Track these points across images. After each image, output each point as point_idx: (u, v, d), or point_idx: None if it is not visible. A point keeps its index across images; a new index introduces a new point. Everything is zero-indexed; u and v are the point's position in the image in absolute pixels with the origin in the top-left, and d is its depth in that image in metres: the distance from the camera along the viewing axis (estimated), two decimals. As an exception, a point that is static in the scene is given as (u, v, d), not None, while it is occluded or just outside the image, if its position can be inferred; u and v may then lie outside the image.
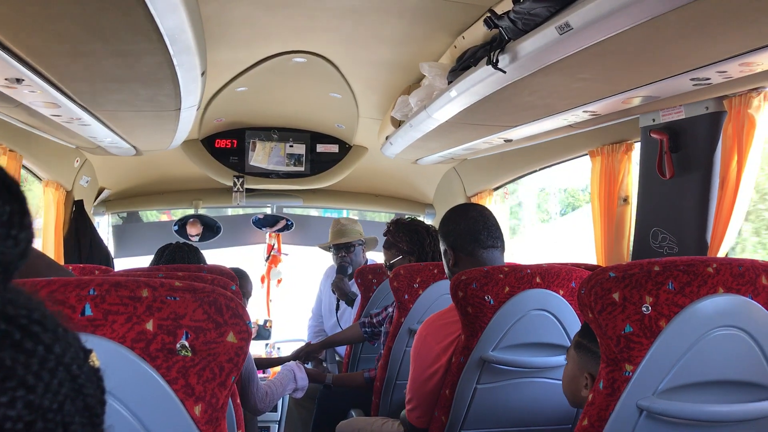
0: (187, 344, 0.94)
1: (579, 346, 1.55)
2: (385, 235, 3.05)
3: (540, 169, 3.82)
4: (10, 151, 2.98)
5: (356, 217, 4.83)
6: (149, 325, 0.93)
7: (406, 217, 3.06)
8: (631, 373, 1.26)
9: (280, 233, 4.98)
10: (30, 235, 0.76)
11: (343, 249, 3.94)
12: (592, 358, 1.46)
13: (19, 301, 0.49)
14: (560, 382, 2.01)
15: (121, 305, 0.92)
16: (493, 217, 2.16)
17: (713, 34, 1.60)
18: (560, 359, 1.98)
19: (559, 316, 1.97)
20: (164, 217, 5.63)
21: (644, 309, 1.26)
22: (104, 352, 0.90)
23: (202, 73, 2.19)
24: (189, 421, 0.94)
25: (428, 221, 5.04)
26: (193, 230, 4.74)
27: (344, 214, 5.47)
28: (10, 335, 0.46)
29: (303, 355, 3.24)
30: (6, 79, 1.90)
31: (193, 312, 0.95)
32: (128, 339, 0.92)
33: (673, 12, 1.42)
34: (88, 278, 0.92)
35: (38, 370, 0.47)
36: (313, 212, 5.69)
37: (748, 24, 1.53)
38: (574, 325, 1.99)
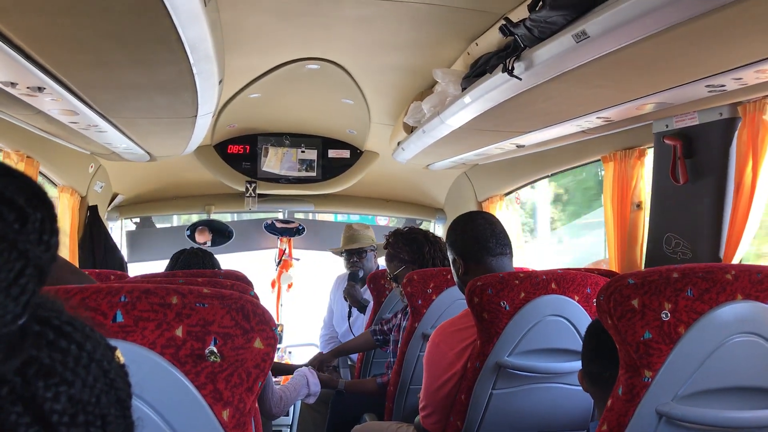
0: (215, 350, 0.95)
1: (591, 378, 1.56)
2: (385, 248, 3.06)
3: (552, 175, 3.83)
4: (27, 157, 3.01)
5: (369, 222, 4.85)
6: (179, 332, 0.95)
7: (417, 222, 3.10)
8: (650, 379, 1.27)
9: (292, 238, 5.00)
10: (58, 240, 0.78)
11: (355, 254, 3.94)
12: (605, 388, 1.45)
13: (47, 304, 0.51)
14: (576, 387, 2.03)
15: (152, 312, 0.94)
16: (500, 224, 2.18)
17: (729, 42, 1.61)
18: (576, 365, 1.99)
19: (575, 322, 1.98)
20: (184, 218, 5.63)
21: (663, 315, 1.27)
22: (135, 358, 0.92)
23: (220, 81, 2.21)
24: (217, 425, 0.96)
25: (439, 226, 5.05)
26: (201, 238, 4.76)
27: (353, 219, 5.48)
28: (45, 335, 0.48)
29: (316, 365, 3.25)
30: (28, 87, 1.93)
31: (221, 318, 0.96)
32: (158, 345, 0.94)
33: (689, 21, 1.43)
34: (119, 285, 0.94)
35: (74, 366, 0.49)
36: (325, 217, 5.71)
37: (764, 31, 1.54)
38: (590, 330, 1.99)
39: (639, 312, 1.27)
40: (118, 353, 0.57)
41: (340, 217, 5.65)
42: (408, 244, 2.97)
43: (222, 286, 1.67)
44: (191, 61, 1.75)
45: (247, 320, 0.98)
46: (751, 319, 1.28)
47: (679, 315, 1.27)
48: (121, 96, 2.21)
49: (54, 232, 0.63)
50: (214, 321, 0.96)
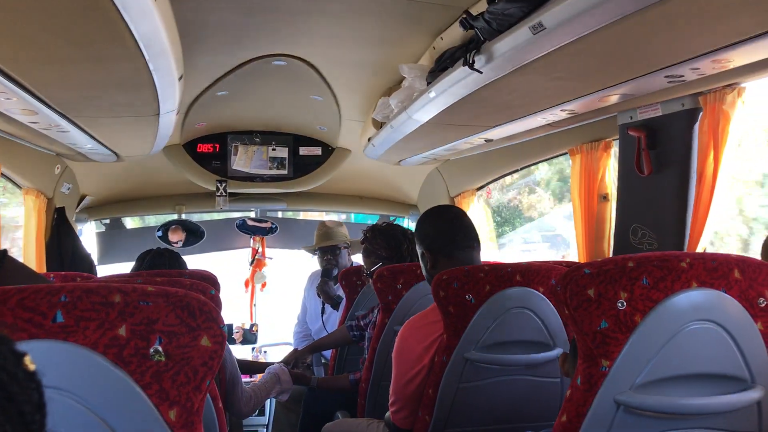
0: (160, 349, 0.93)
1: None
2: (362, 243, 3.05)
3: (521, 168, 3.84)
4: (-12, 159, 2.95)
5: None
6: (122, 331, 0.93)
7: (391, 218, 3.09)
8: (607, 369, 1.27)
9: (264, 237, 4.97)
10: None
11: (329, 252, 3.94)
12: None
13: None
14: (543, 379, 2.04)
15: (93, 311, 0.92)
16: (468, 219, 2.19)
17: (685, 32, 1.62)
18: (542, 356, 2.00)
19: (540, 314, 1.98)
20: (152, 221, 5.58)
21: (619, 304, 1.27)
22: (77, 359, 0.90)
23: (180, 78, 2.18)
24: (164, 425, 0.94)
25: (413, 222, 5.05)
26: (175, 237, 4.72)
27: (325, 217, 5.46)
28: None
29: (291, 361, 3.24)
30: (-21, 87, 1.89)
31: (165, 316, 0.94)
32: (101, 345, 0.92)
33: (644, 10, 1.43)
34: (60, 285, 0.92)
35: None
36: (297, 215, 5.69)
37: (719, 21, 1.55)
38: (555, 322, 2.00)
39: (595, 301, 1.27)
40: (27, 360, 0.52)
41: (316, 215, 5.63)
42: (386, 241, 2.96)
43: (181, 285, 1.65)
44: (146, 57, 1.72)
45: (193, 318, 0.96)
46: (706, 307, 1.29)
47: (635, 304, 1.27)
48: (80, 94, 2.17)
49: None
50: (159, 319, 0.94)
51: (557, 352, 2.00)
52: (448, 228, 2.12)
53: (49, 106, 2.27)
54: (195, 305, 0.96)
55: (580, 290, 1.27)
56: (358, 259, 4.28)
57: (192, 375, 0.95)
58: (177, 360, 0.95)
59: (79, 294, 0.92)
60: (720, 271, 1.31)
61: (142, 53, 1.68)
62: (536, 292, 1.98)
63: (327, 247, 3.93)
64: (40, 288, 0.91)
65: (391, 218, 5.08)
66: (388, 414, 2.19)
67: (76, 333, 0.91)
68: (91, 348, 0.92)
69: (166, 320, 0.94)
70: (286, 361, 3.20)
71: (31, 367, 0.51)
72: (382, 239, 2.97)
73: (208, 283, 1.87)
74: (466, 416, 1.98)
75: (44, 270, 3.68)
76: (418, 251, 2.20)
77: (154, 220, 5.49)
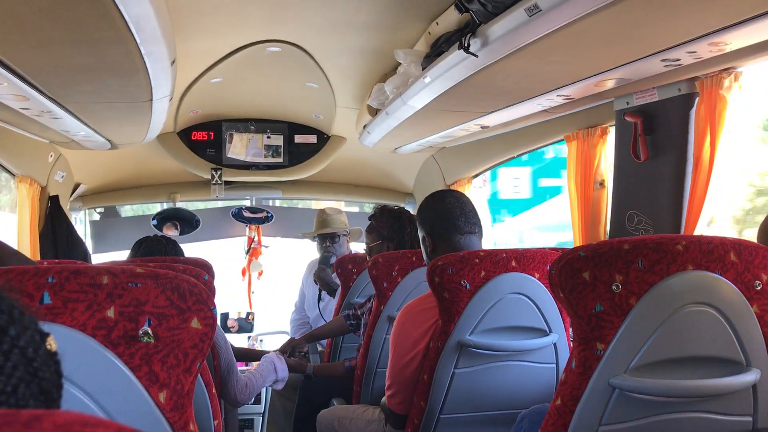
0: (149, 331, 0.92)
1: None
2: (369, 219, 3.06)
3: (518, 156, 3.83)
4: (-20, 146, 2.93)
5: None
6: (110, 312, 0.92)
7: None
8: (602, 352, 1.26)
9: (260, 225, 4.96)
10: None
11: (328, 239, 3.93)
12: None
13: None
14: (538, 364, 2.03)
15: (81, 293, 0.91)
16: (470, 203, 2.17)
17: (681, 14, 1.60)
18: (537, 342, 1.99)
19: (535, 299, 1.98)
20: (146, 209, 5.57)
21: (614, 287, 1.26)
22: (64, 341, 0.89)
23: (172, 63, 2.16)
24: (154, 408, 0.93)
25: (409, 210, 5.03)
26: (169, 232, 4.70)
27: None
28: None
29: (288, 350, 3.23)
30: (-30, 72, 1.86)
31: (155, 298, 0.93)
32: (89, 327, 0.91)
33: (640, -9, 1.42)
34: (47, 266, 0.91)
35: None
36: (293, 203, 5.68)
37: (716, 2, 1.53)
38: (551, 308, 2.00)
39: (590, 284, 1.26)
40: (51, 340, 0.54)
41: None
42: (391, 221, 2.97)
43: (175, 270, 1.63)
44: (138, 40, 1.70)
45: (183, 300, 0.95)
46: (701, 289, 1.28)
47: (630, 286, 1.26)
48: (71, 80, 2.15)
49: None
50: (148, 301, 0.93)
51: (553, 337, 2.00)
52: (450, 213, 2.11)
53: (40, 92, 2.25)
54: (185, 287, 0.95)
55: (575, 273, 1.26)
56: (356, 247, 4.29)
57: (182, 357, 0.94)
58: (167, 342, 0.94)
59: (67, 275, 0.91)
60: (716, 253, 1.30)
61: (134, 36, 1.66)
62: (532, 277, 1.97)
63: (326, 234, 3.93)
64: (26, 269, 0.90)
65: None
66: (384, 399, 2.18)
67: (63, 314, 0.90)
68: (80, 330, 0.91)
69: (155, 302, 0.93)
70: (282, 350, 3.20)
71: (54, 346, 0.53)
72: (388, 218, 2.98)
73: (202, 269, 1.86)
74: (461, 402, 1.98)
75: (38, 258, 3.66)
76: (420, 235, 2.19)
77: (149, 208, 5.47)
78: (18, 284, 0.89)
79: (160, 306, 0.93)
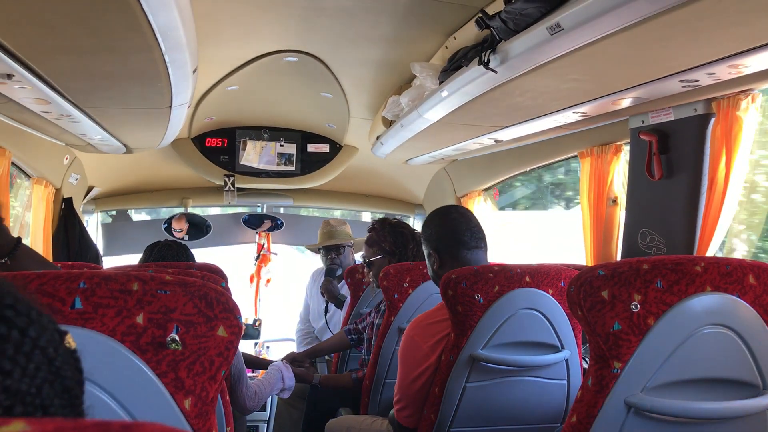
0: (177, 338, 0.94)
1: None
2: (369, 231, 3.04)
3: (530, 171, 3.84)
4: (-1, 147, 2.96)
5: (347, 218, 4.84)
6: (139, 319, 0.93)
7: (394, 217, 3.09)
8: (619, 371, 1.27)
9: (270, 233, 4.97)
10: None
11: (333, 251, 3.93)
12: None
13: None
14: (550, 380, 2.03)
15: (111, 299, 0.92)
16: (475, 219, 2.18)
17: (702, 36, 1.61)
18: (550, 358, 2.00)
19: (549, 315, 1.98)
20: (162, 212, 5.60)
21: (633, 307, 1.27)
22: (94, 346, 0.90)
23: (194, 71, 2.18)
24: (179, 414, 0.94)
25: (418, 222, 5.04)
26: (178, 225, 4.72)
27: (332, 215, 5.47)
28: None
29: (288, 362, 3.23)
30: (-4, 74, 1.89)
31: (183, 306, 0.95)
32: (118, 332, 0.92)
33: (663, 14, 1.43)
34: (79, 271, 0.92)
35: (14, 354, 0.46)
36: (304, 212, 5.69)
37: (737, 26, 1.54)
38: (563, 324, 2.00)
39: (609, 303, 1.27)
40: (69, 338, 0.54)
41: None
42: (393, 236, 2.96)
43: (193, 277, 1.65)
44: (163, 49, 1.72)
45: (211, 308, 0.96)
46: (719, 311, 1.29)
47: (649, 306, 1.27)
48: (94, 85, 2.17)
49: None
50: (176, 308, 0.94)
51: (565, 353, 2.00)
52: (455, 228, 2.12)
53: (62, 96, 2.27)
54: (213, 295, 0.96)
55: (594, 291, 1.27)
56: (360, 257, 4.29)
57: (208, 365, 0.95)
58: (193, 349, 0.95)
59: (98, 281, 0.92)
60: (734, 276, 1.31)
61: (159, 45, 1.69)
62: (545, 293, 1.98)
63: (331, 246, 3.92)
64: (59, 274, 0.91)
65: (395, 217, 5.08)
66: (392, 412, 2.19)
67: (94, 320, 0.92)
68: (109, 335, 0.92)
69: (183, 309, 0.94)
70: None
71: (73, 344, 0.53)
72: (390, 234, 2.96)
73: (216, 275, 1.88)
74: (471, 416, 1.98)
75: (50, 260, 3.69)
76: (425, 251, 2.20)
77: (161, 212, 5.50)
78: (51, 289, 0.90)
79: (188, 313, 0.95)
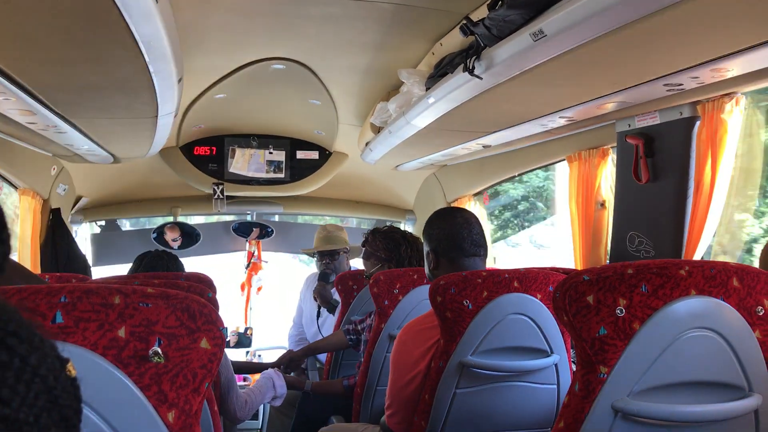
0: (159, 351, 0.93)
1: None
2: (363, 246, 3.05)
3: (518, 175, 3.85)
4: (-16, 159, 2.95)
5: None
6: (121, 332, 0.93)
7: (386, 224, 3.11)
8: (605, 375, 1.27)
9: (260, 240, 4.96)
10: (6, 249, 0.74)
11: (328, 256, 3.92)
12: None
13: None
14: (539, 385, 2.03)
15: (93, 312, 0.91)
16: (479, 225, 2.16)
17: (685, 40, 1.63)
18: (539, 363, 2.00)
19: (538, 320, 1.98)
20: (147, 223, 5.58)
21: (618, 311, 1.27)
22: (76, 360, 0.89)
23: (179, 80, 2.18)
24: (162, 427, 0.93)
25: (409, 227, 5.05)
26: (172, 234, 4.70)
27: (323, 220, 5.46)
28: None
29: (285, 362, 3.22)
30: (-21, 87, 1.88)
31: (165, 318, 0.94)
32: (100, 346, 0.92)
33: (645, 19, 1.44)
34: (59, 285, 0.92)
35: (14, 383, 0.46)
36: (298, 219, 5.69)
37: (719, 30, 1.56)
38: (552, 329, 2.00)
39: (594, 308, 1.27)
40: (70, 366, 0.53)
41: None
42: (385, 242, 2.97)
43: (179, 288, 1.64)
44: (147, 59, 1.72)
45: (193, 320, 0.96)
46: (704, 315, 1.29)
47: (634, 311, 1.27)
48: (79, 96, 2.17)
49: (3, 225, 0.59)
50: (159, 321, 0.94)
51: (554, 358, 2.00)
52: (456, 233, 2.10)
53: (47, 107, 2.27)
54: (195, 307, 0.96)
55: (579, 297, 1.27)
56: (356, 263, 4.29)
57: (191, 377, 0.95)
58: (176, 362, 0.94)
59: (79, 295, 0.92)
60: (718, 279, 1.31)
61: (143, 55, 1.68)
62: (533, 298, 1.98)
63: (326, 251, 3.92)
64: (39, 288, 0.91)
65: (387, 223, 5.08)
66: (383, 418, 2.18)
67: (75, 334, 0.91)
68: (91, 349, 0.91)
69: (165, 322, 0.94)
70: (279, 363, 3.19)
71: (73, 372, 0.53)
72: (382, 241, 2.98)
73: (204, 285, 1.87)
74: (462, 422, 1.98)
75: (39, 271, 3.66)
76: (425, 249, 2.18)
77: (150, 222, 5.48)
78: (31, 303, 0.89)
79: (171, 326, 0.94)
